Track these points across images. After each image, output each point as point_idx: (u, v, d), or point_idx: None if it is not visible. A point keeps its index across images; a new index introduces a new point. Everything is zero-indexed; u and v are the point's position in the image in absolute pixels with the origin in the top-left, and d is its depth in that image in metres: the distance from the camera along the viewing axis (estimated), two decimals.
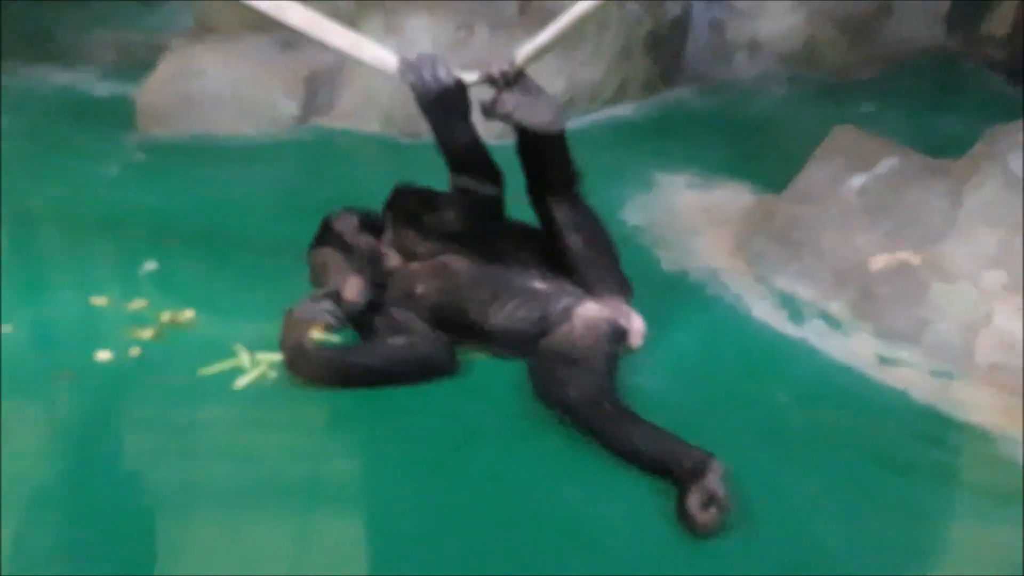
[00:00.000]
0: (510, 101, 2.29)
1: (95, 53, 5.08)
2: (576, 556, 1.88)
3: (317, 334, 2.37)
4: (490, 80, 2.29)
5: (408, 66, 2.31)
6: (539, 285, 2.50)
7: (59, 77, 4.79)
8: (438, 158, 2.39)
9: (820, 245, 2.85)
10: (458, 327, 2.50)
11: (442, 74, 2.29)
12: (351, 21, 4.16)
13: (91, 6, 5.71)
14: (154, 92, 4.11)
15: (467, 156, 2.38)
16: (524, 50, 2.26)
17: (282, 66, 4.15)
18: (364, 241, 2.61)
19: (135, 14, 5.61)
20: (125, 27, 5.43)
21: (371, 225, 2.65)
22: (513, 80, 2.28)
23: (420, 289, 2.52)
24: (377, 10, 4.10)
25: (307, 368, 2.35)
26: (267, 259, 2.97)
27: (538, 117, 2.31)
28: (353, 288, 2.50)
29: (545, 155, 2.44)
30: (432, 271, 2.53)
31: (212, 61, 4.17)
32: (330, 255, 2.58)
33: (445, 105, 2.32)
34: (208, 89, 4.10)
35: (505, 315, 2.47)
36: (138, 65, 4.52)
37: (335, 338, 2.45)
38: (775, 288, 2.88)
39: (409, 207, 2.58)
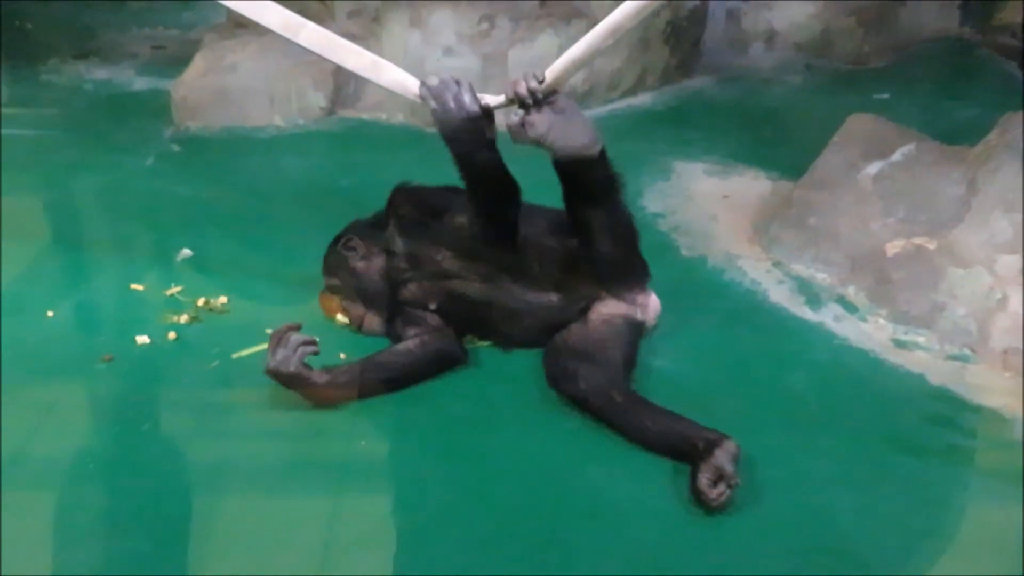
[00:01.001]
0: (541, 123, 2.03)
1: (133, 50, 5.15)
2: (595, 533, 1.91)
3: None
4: (518, 101, 2.05)
5: (430, 92, 2.12)
6: (554, 298, 2.43)
7: (99, 73, 4.84)
8: None
9: (836, 231, 2.85)
10: (475, 332, 2.53)
11: (467, 101, 2.10)
12: (376, 14, 4.21)
13: (129, 5, 5.81)
14: (189, 86, 4.15)
15: (490, 182, 2.24)
16: (555, 65, 2.02)
17: (311, 60, 4.05)
18: (374, 267, 2.52)
19: (171, 12, 5.69)
20: (161, 24, 5.53)
21: (381, 228, 2.55)
22: (543, 98, 2.04)
23: (433, 307, 2.48)
24: (401, 3, 4.11)
25: (330, 398, 2.26)
26: (297, 246, 2.99)
27: (571, 141, 2.07)
28: (370, 326, 2.54)
29: (583, 173, 2.19)
30: (444, 297, 2.47)
31: (244, 56, 4.19)
32: (341, 288, 2.55)
33: (470, 134, 2.13)
34: (240, 83, 4.12)
35: (521, 330, 2.45)
36: (173, 61, 4.60)
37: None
38: (792, 273, 2.88)
39: (415, 216, 2.47)
